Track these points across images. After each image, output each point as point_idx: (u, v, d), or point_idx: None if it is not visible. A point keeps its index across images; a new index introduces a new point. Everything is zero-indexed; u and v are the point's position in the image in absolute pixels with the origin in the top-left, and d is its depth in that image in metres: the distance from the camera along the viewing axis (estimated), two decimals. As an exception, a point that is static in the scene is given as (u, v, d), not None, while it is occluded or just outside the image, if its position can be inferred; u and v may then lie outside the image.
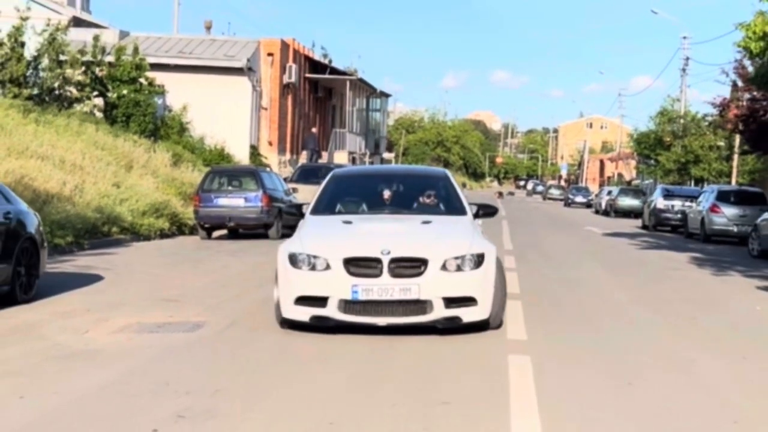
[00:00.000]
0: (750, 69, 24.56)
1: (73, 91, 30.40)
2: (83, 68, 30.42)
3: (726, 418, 6.09)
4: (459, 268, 8.33)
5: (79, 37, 32.69)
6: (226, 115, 35.46)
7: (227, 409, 5.84)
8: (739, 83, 27.95)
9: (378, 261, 8.19)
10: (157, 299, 10.70)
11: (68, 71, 29.96)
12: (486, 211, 10.22)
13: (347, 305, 8.19)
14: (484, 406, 6.09)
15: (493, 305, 8.52)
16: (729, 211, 25.84)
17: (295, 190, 23.64)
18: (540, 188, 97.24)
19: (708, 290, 13.96)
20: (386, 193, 10.19)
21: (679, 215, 30.91)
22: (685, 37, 51.66)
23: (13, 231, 9.82)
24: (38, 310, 9.61)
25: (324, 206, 9.92)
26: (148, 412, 5.70)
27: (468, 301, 8.34)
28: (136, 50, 32.20)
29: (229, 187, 20.80)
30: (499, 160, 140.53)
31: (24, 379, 6.54)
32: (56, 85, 29.71)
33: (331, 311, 8.22)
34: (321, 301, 8.25)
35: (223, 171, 22.40)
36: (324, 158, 42.21)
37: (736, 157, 41.88)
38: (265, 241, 19.75)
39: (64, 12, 38.54)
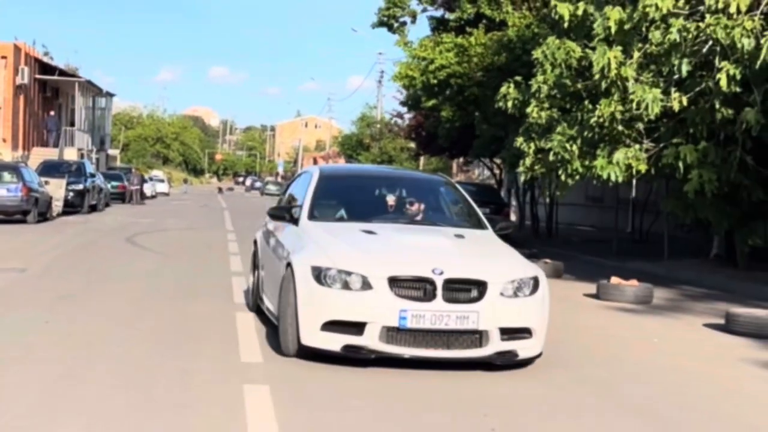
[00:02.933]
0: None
1: None
2: None
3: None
4: (516, 294, 7.14)
5: None
6: (-41, 113, 38.05)
7: (87, 294, 10.80)
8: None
9: (430, 282, 6.91)
10: (-22, 258, 15.03)
11: None
12: (503, 227, 8.75)
13: (391, 334, 6.89)
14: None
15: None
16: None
17: (47, 182, 27.57)
18: (258, 184, 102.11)
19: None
20: (390, 199, 8.80)
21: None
22: (380, 53, 59.22)
23: None
24: None
25: (322, 211, 8.48)
26: (42, 296, 10.50)
27: (524, 332, 7.17)
28: None
29: (-8, 180, 24.56)
30: (218, 156, 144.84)
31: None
32: None
33: (370, 340, 6.89)
34: (356, 328, 6.92)
35: (-14, 166, 26.08)
36: (54, 155, 45.30)
37: (422, 157, 49.46)
38: (25, 225, 23.87)
39: None
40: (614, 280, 12.76)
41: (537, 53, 13.21)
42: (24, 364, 6.99)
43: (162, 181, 68.76)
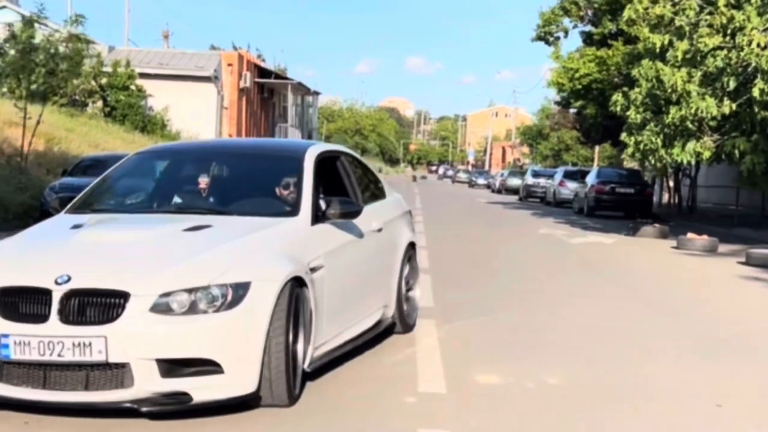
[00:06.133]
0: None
1: (81, 97, 40.84)
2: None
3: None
4: (192, 309, 4.91)
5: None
6: (197, 114, 45.77)
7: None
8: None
9: (46, 294, 4.89)
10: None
11: (82, 81, 40.34)
12: (344, 209, 6.33)
13: (3, 369, 4.97)
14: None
15: (265, 373, 5.12)
16: (572, 185, 37.13)
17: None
18: (450, 173, 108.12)
19: (522, 221, 25.29)
20: (203, 181, 6.73)
21: (543, 189, 42.38)
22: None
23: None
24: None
25: (95, 199, 6.64)
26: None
27: (201, 365, 4.91)
28: (128, 63, 42.46)
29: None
30: (413, 147, 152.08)
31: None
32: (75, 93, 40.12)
33: None
34: None
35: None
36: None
37: (597, 146, 53.72)
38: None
39: (63, 30, 48.24)
40: (689, 235, 17.58)
41: (634, 71, 18.15)
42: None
43: (361, 170, 75.67)
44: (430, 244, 15.96)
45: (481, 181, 72.57)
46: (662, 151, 17.64)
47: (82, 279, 4.93)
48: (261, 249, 5.50)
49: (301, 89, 63.83)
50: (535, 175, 44.89)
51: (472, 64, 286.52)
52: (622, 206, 29.07)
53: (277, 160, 7.03)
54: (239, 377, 5.01)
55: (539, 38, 27.66)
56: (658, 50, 17.73)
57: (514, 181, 54.66)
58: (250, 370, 5.04)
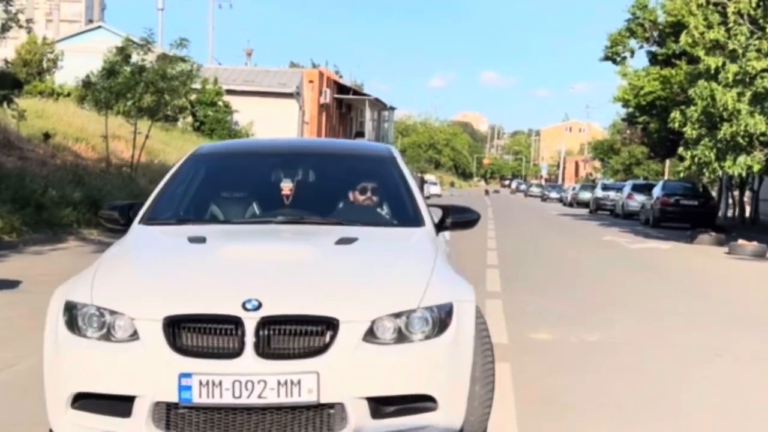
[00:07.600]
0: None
1: (173, 113, 43.52)
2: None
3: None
4: (401, 337, 4.13)
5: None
6: (280, 129, 48.03)
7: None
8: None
9: (236, 324, 3.97)
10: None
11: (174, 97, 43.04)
12: (459, 218, 5.74)
13: (172, 415, 4.01)
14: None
15: (470, 405, 4.36)
16: (639, 197, 38.47)
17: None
18: (522, 187, 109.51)
19: (588, 230, 26.93)
20: (286, 186, 5.79)
21: (612, 202, 43.75)
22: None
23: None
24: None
25: (169, 208, 5.62)
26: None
27: (419, 401, 4.14)
28: (215, 81, 45.04)
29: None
30: (486, 161, 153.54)
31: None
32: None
33: (141, 426, 3.99)
34: (122, 405, 4.03)
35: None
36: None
37: (667, 160, 54.78)
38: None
39: (156, 50, 51.19)
40: (740, 241, 19.09)
41: (691, 92, 19.79)
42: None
43: (435, 183, 77.75)
44: (500, 247, 17.81)
45: (553, 194, 73.80)
46: (715, 164, 19.25)
47: (277, 304, 4.01)
48: (435, 263, 4.68)
49: (378, 104, 66.16)
50: (605, 188, 46.44)
51: (546, 78, 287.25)
52: (686, 217, 30.44)
53: (366, 162, 6.36)
54: (451, 413, 4.21)
55: (607, 58, 29.34)
56: (712, 71, 19.33)
57: (585, 195, 55.86)
58: (460, 405, 4.27)
